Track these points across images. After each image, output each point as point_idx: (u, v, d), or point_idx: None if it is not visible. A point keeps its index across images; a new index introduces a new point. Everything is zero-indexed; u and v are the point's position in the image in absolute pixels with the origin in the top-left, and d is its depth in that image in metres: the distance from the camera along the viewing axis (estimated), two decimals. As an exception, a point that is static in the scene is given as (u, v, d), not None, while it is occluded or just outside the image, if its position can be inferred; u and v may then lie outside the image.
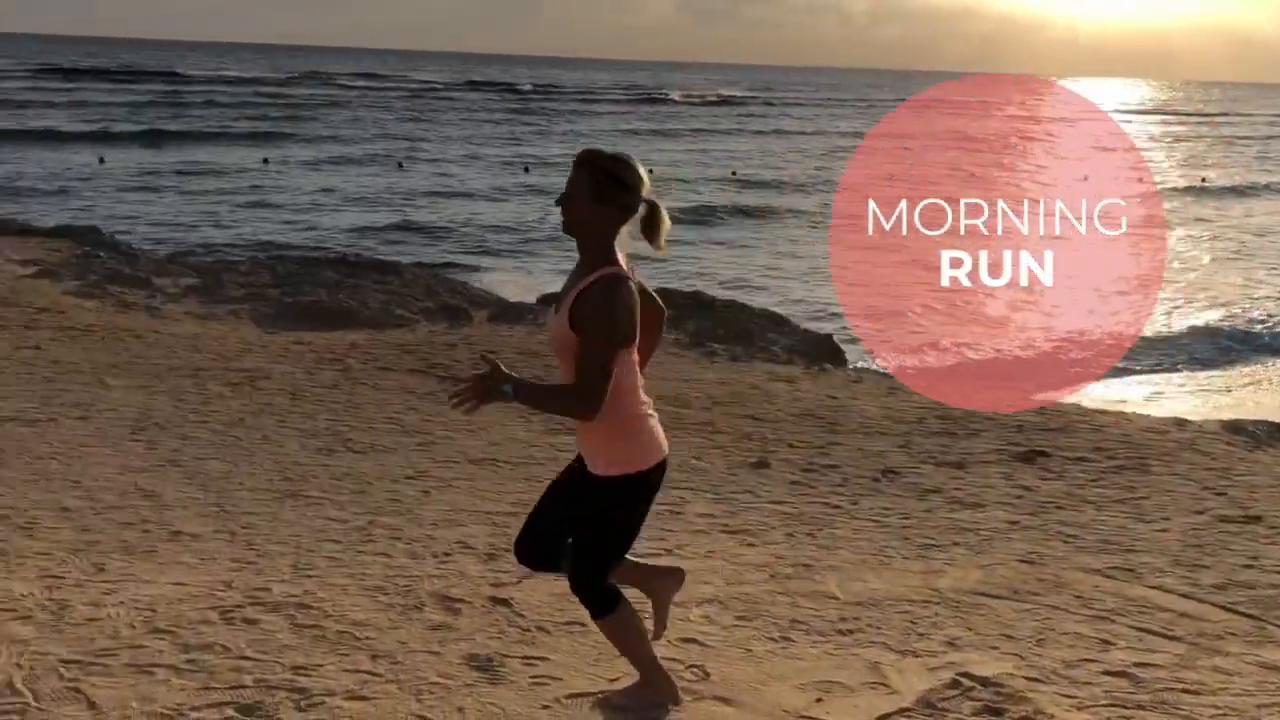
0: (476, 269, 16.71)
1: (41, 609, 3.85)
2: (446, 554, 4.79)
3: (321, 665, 3.47)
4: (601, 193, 2.92)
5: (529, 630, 3.88)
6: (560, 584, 4.35)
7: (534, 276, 16.20)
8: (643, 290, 3.11)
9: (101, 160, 28.88)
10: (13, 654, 3.43)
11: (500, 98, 69.68)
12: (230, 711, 3.12)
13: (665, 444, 3.15)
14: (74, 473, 5.70)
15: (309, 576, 4.40)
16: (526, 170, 30.77)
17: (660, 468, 3.11)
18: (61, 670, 3.34)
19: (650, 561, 3.63)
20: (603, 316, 2.87)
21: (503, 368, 2.93)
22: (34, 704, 3.12)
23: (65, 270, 11.74)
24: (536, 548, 3.26)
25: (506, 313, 11.24)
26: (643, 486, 3.09)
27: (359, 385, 8.01)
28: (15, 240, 13.79)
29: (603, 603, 3.17)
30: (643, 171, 3.00)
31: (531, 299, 12.24)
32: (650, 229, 3.02)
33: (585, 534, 3.14)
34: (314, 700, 3.23)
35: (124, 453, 6.12)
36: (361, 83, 79.39)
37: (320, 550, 4.79)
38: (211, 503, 5.38)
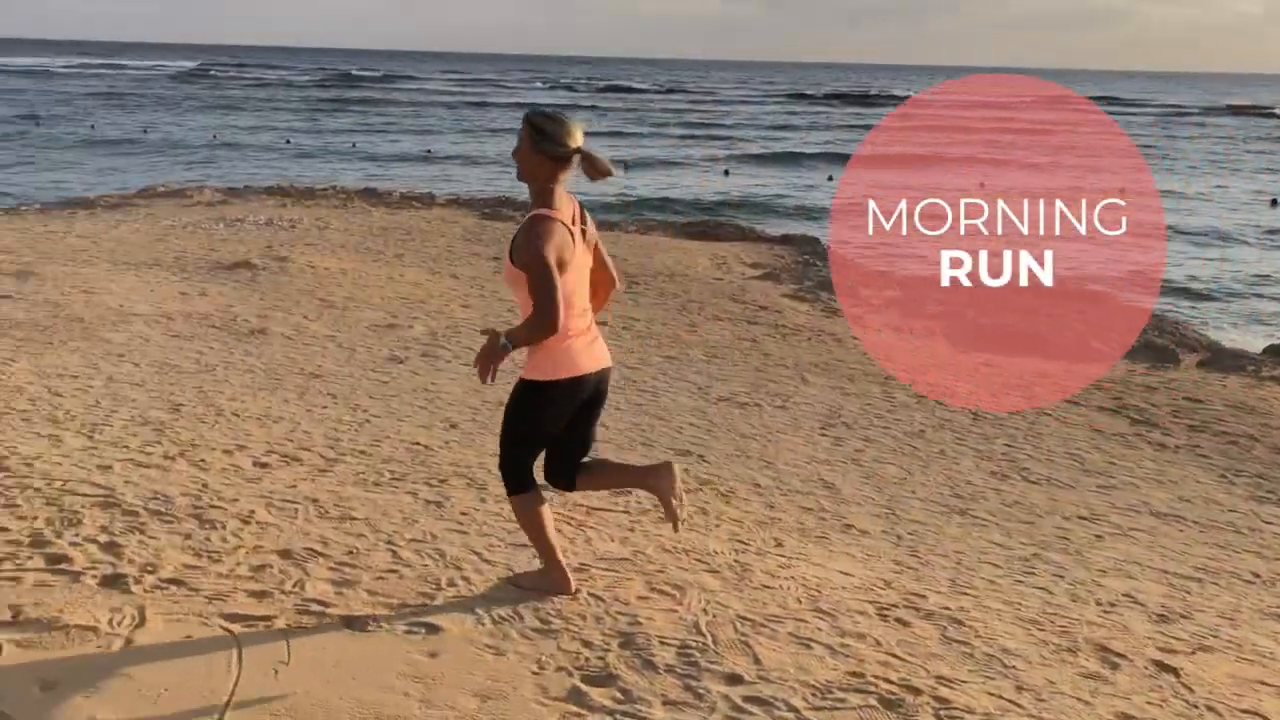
0: (1187, 307, 15.27)
1: (728, 568, 4.35)
2: (1112, 604, 4.49)
3: (965, 682, 3.47)
4: (534, 144, 3.41)
5: (1196, 706, 3.48)
6: (1241, 666, 3.84)
7: (1263, 325, 14.39)
8: (599, 258, 3.66)
9: (830, 179, 31.57)
10: (701, 600, 3.92)
11: (1259, 126, 62.49)
12: (873, 701, 3.25)
13: (585, 365, 3.57)
14: (769, 454, 6.33)
15: (965, 594, 4.41)
16: (1275, 204, 27.32)
17: (569, 384, 3.53)
18: (736, 624, 3.74)
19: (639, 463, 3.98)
20: (531, 248, 3.34)
21: (498, 331, 3.37)
22: (712, 646, 3.55)
23: (785, 274, 13.04)
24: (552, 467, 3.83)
25: (1220, 359, 10.13)
26: (554, 393, 3.54)
27: (1043, 415, 7.79)
28: (749, 245, 15.63)
29: (513, 486, 3.68)
30: (574, 127, 3.43)
31: (1256, 348, 10.88)
32: (590, 170, 3.47)
33: (503, 424, 3.66)
34: (953, 713, 3.23)
35: (813, 444, 6.64)
36: (1101, 106, 76.68)
37: (980, 571, 4.77)
38: (884, 504, 5.63)
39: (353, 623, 3.44)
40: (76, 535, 3.95)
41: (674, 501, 3.81)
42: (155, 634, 3.24)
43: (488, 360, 3.35)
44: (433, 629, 3.45)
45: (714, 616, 3.78)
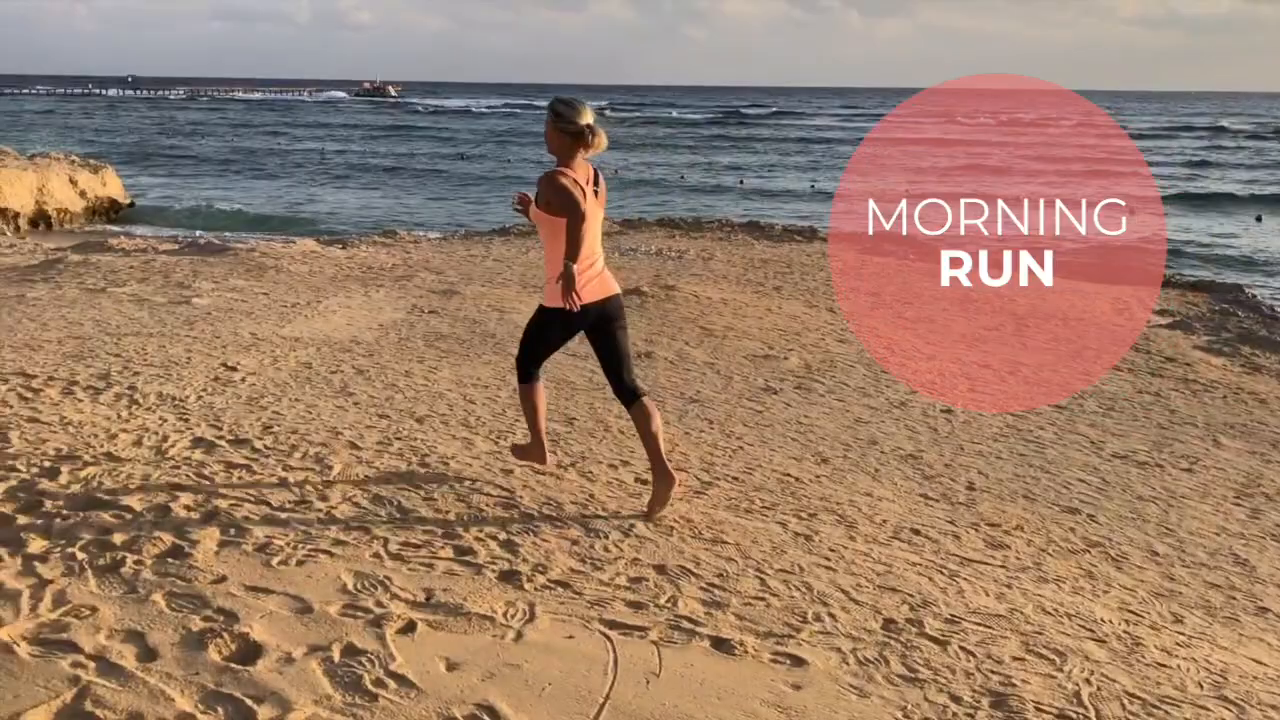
0: None
1: (1116, 638, 4.01)
2: None
3: None
4: (555, 124, 4.43)
5: None
6: None
7: None
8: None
9: (1259, 220, 28.43)
10: (1084, 670, 3.64)
11: None
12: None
13: (584, 297, 4.46)
14: (1170, 521, 5.77)
15: None
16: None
17: (572, 311, 4.45)
18: (1124, 700, 3.44)
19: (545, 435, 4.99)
20: (551, 192, 4.41)
21: (565, 266, 4.37)
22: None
23: (1198, 324, 11.87)
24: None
25: None
26: (556, 317, 4.59)
27: None
28: (1153, 290, 14.39)
29: (520, 377, 4.86)
30: (584, 109, 4.43)
31: None
32: (588, 144, 4.43)
33: (523, 333, 4.86)
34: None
35: (1223, 514, 5.98)
36: None
37: None
38: (1308, 589, 4.96)
39: (720, 644, 3.51)
40: (480, 531, 4.35)
41: (657, 506, 4.69)
42: (542, 630, 3.49)
43: (568, 287, 4.34)
44: (797, 661, 3.46)
45: (1098, 689, 3.50)
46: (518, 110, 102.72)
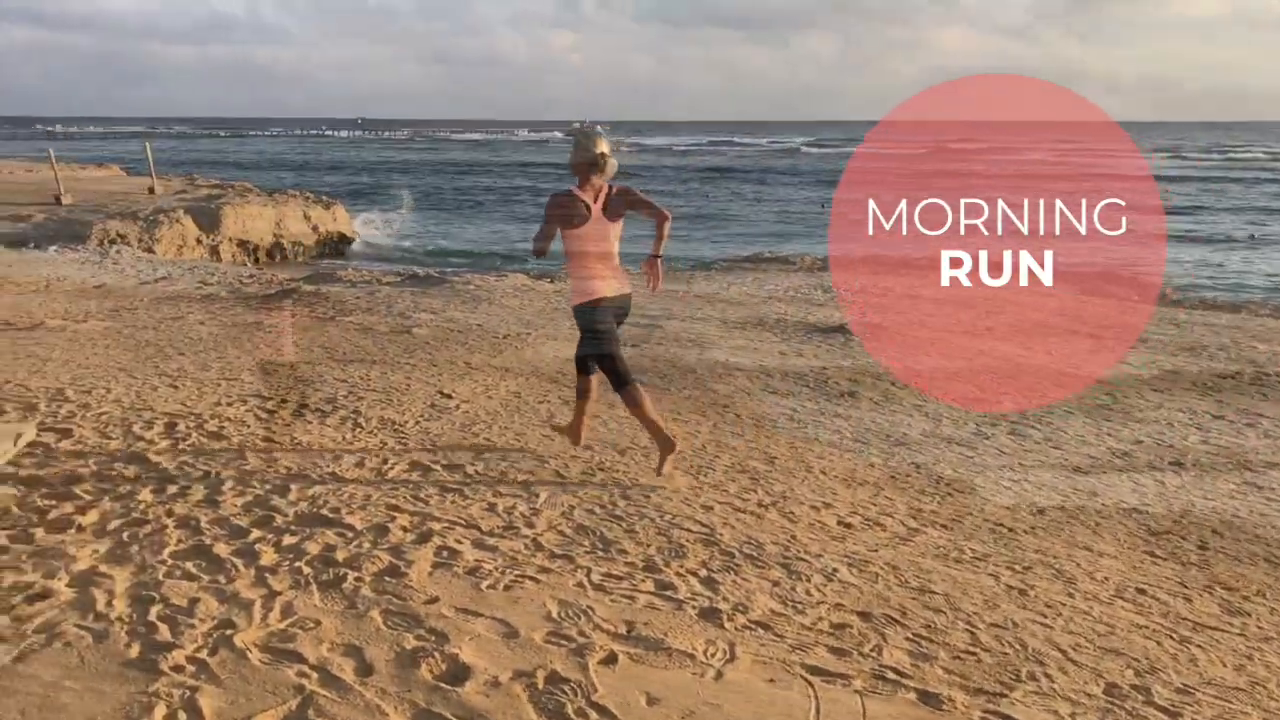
0: None
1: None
2: None
3: None
4: (575, 150, 5.44)
5: None
6: None
7: None
8: (640, 202, 5.51)
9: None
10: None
11: None
12: None
13: (601, 293, 5.50)
14: None
15: None
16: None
17: (596, 304, 5.51)
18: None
19: (587, 420, 6.03)
20: (547, 208, 5.44)
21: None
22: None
23: None
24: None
25: None
26: (586, 312, 5.52)
27: None
28: None
29: (620, 383, 5.58)
30: (599, 140, 5.42)
31: None
32: (598, 171, 5.43)
33: (587, 348, 5.63)
34: None
35: None
36: None
37: None
38: None
39: (928, 698, 3.37)
40: (681, 566, 4.34)
41: (663, 467, 5.61)
42: (742, 671, 3.44)
43: (540, 238, 5.41)
44: (1011, 722, 3.28)
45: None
46: (720, 148, 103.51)
